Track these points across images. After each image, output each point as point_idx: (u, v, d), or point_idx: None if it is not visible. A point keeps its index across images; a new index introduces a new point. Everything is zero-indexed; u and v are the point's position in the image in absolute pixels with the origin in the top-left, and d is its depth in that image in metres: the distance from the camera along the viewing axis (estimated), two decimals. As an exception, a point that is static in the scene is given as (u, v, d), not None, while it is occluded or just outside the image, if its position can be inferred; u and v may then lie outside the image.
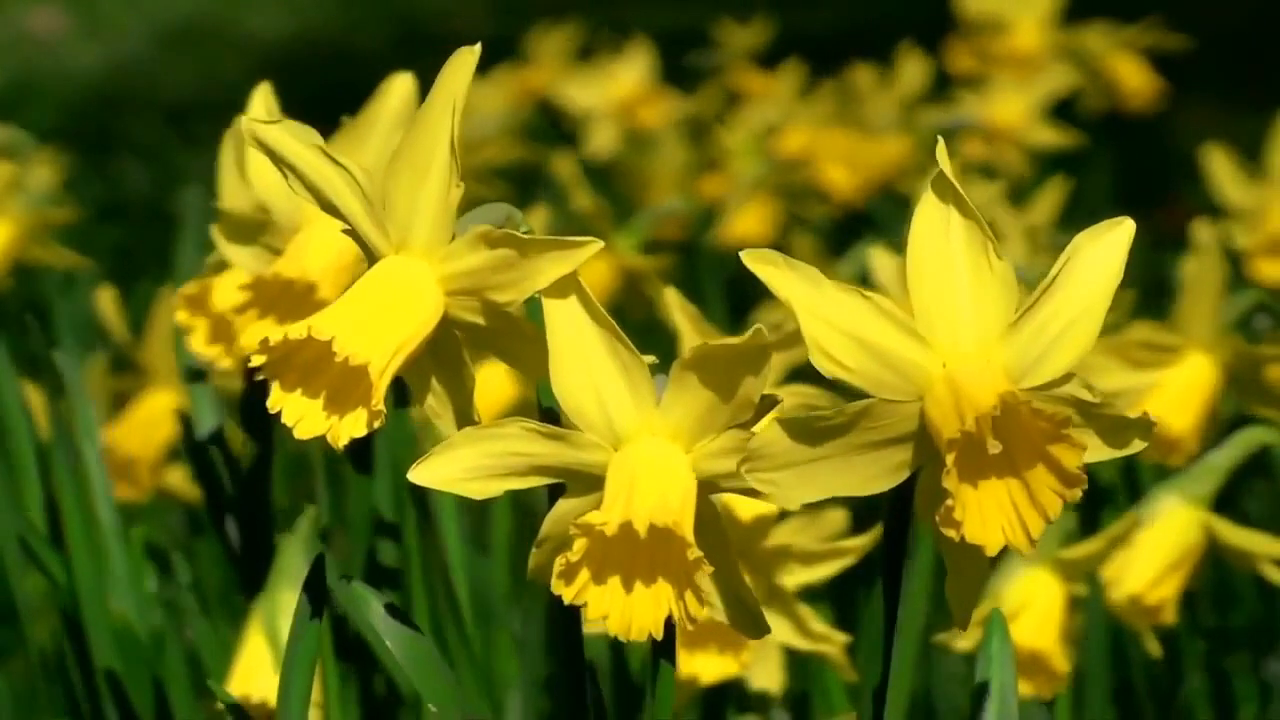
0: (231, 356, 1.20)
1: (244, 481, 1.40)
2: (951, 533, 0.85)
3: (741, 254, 0.86)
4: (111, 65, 5.65)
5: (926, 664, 1.62)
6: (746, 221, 2.92)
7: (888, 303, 0.86)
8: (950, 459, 0.84)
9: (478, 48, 0.90)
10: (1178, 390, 1.61)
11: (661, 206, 2.72)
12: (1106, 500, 1.69)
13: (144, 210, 3.83)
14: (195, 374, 1.45)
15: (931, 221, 0.87)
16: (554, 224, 2.34)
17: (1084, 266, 0.87)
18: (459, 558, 1.44)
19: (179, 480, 1.93)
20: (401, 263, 0.91)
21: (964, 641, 1.40)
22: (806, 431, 0.86)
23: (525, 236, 0.89)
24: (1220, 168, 2.17)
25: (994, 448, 0.84)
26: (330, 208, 0.92)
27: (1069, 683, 1.43)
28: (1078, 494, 0.85)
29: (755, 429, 0.89)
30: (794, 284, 0.86)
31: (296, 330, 0.88)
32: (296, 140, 0.91)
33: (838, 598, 1.68)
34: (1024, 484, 0.86)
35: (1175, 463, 1.59)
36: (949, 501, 0.85)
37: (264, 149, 0.92)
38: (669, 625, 0.89)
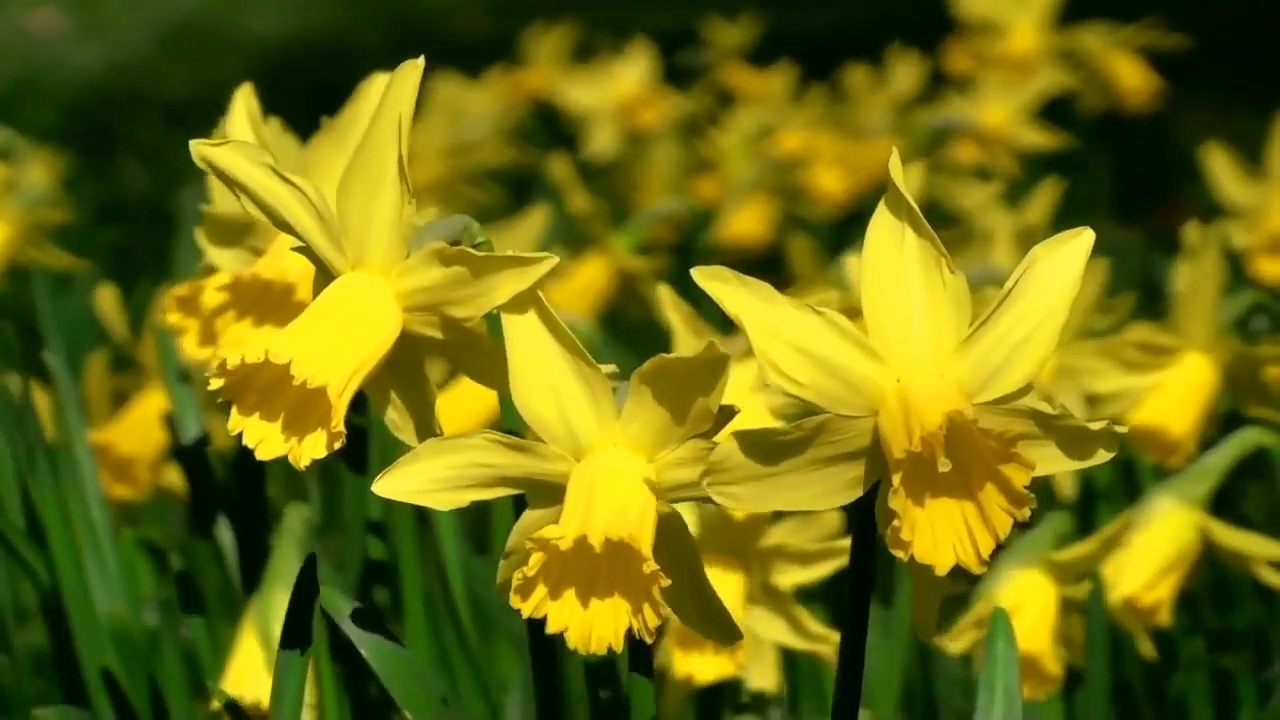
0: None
1: (239, 481, 1.40)
2: (900, 553, 0.85)
3: (692, 271, 0.86)
4: (111, 65, 5.65)
5: (926, 665, 1.62)
6: (743, 222, 2.92)
7: (842, 318, 0.86)
8: (897, 479, 0.84)
9: (420, 61, 0.91)
10: (1176, 392, 1.61)
11: (658, 208, 2.72)
12: (1103, 501, 1.69)
13: (144, 210, 3.83)
14: (181, 376, 1.44)
15: (885, 237, 0.88)
16: (551, 226, 2.34)
17: (1041, 278, 0.87)
18: (455, 558, 1.44)
19: (178, 478, 1.93)
20: (358, 280, 0.91)
21: (957, 644, 1.40)
22: (764, 446, 0.86)
23: (480, 254, 0.89)
24: (1221, 167, 2.17)
25: (944, 466, 0.83)
26: (284, 225, 0.92)
27: (1062, 684, 1.43)
28: (1026, 513, 0.85)
29: (716, 439, 0.89)
30: (744, 300, 0.86)
31: (253, 353, 0.88)
32: (245, 160, 0.91)
33: (834, 598, 1.68)
34: (975, 503, 0.86)
35: (1174, 464, 1.59)
36: (895, 522, 0.85)
37: (214, 171, 0.92)
38: (638, 639, 0.89)
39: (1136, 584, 1.46)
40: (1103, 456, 0.88)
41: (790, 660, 1.48)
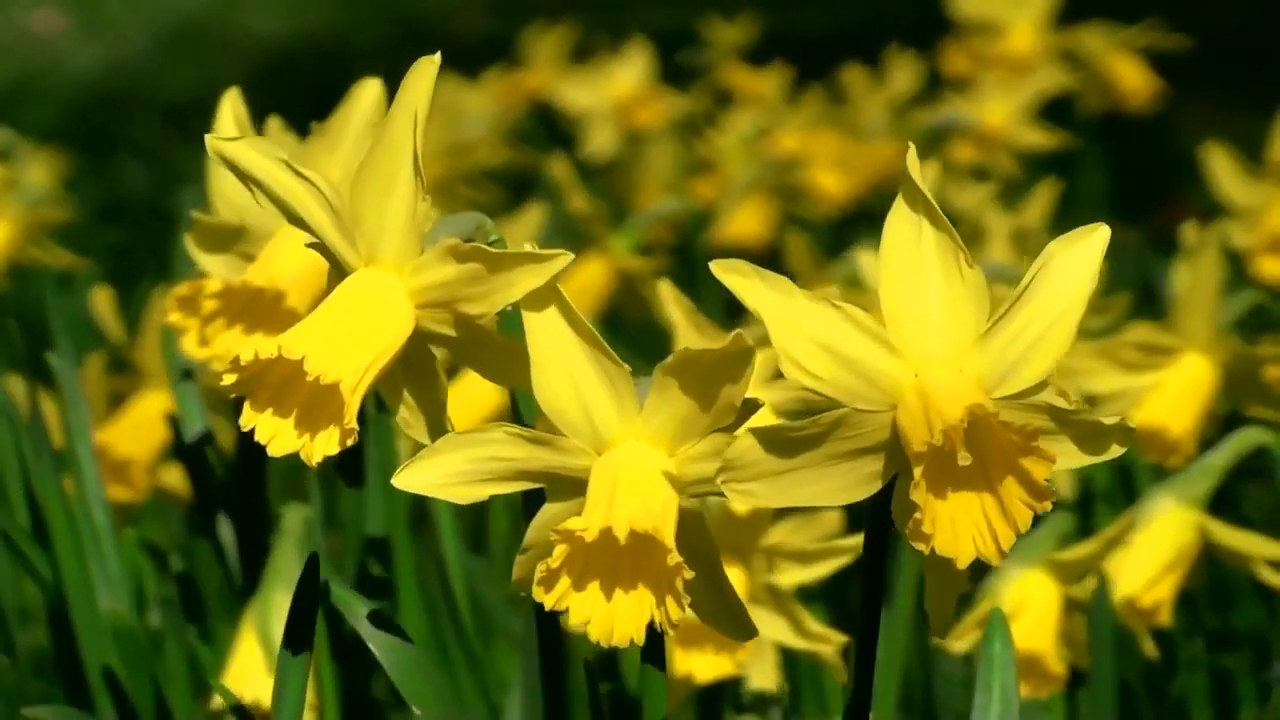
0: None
1: (239, 481, 1.40)
2: (922, 546, 0.85)
3: (711, 264, 0.86)
4: (111, 65, 5.65)
5: (926, 665, 1.62)
6: (742, 222, 2.92)
7: (860, 312, 0.86)
8: (919, 472, 0.84)
9: (437, 57, 0.91)
10: (1176, 392, 1.61)
11: (658, 208, 2.72)
12: (1102, 502, 1.69)
13: (144, 210, 3.83)
14: (184, 374, 1.44)
15: (903, 231, 0.87)
16: (550, 226, 2.34)
17: (1058, 273, 0.87)
18: (455, 559, 1.44)
19: (176, 480, 1.93)
20: (372, 276, 0.91)
21: (961, 643, 1.40)
22: (781, 442, 0.86)
23: (494, 250, 0.89)
24: (1221, 166, 2.17)
25: (964, 459, 0.84)
26: (298, 221, 0.92)
27: (1064, 684, 1.43)
28: (1047, 506, 0.85)
29: (738, 433, 0.89)
30: (763, 294, 0.86)
31: (267, 349, 0.87)
32: (261, 155, 0.91)
33: (835, 598, 1.68)
34: (995, 496, 0.86)
35: (1173, 464, 1.59)
36: (917, 515, 0.85)
37: (229, 165, 0.92)
38: (653, 630, 0.89)
39: (1137, 584, 1.46)
40: (1115, 451, 0.88)
41: (790, 659, 1.48)
